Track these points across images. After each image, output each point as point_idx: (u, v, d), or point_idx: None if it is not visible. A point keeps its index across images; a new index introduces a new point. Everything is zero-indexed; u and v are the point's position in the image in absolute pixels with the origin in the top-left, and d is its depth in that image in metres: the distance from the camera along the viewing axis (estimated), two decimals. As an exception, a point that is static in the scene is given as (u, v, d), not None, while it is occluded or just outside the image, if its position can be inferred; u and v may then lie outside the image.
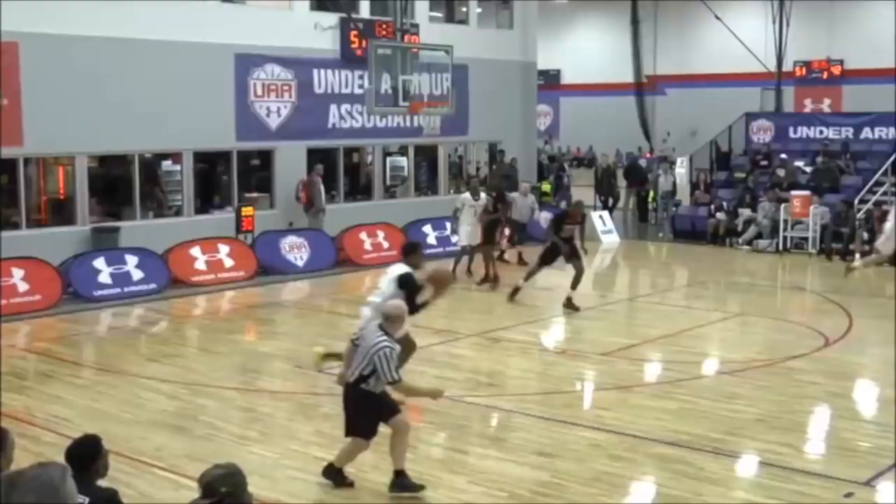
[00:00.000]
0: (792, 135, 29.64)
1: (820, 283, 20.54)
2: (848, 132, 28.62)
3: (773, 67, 31.50)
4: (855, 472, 8.82)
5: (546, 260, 16.57)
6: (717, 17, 32.28)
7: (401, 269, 10.79)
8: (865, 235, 22.51)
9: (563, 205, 24.47)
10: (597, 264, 17.77)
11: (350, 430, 8.46)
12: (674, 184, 28.69)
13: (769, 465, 9.08)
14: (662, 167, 29.76)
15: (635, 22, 34.57)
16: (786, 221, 23.83)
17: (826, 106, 31.62)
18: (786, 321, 15.87)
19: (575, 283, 16.21)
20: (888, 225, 17.67)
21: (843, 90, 31.23)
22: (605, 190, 29.86)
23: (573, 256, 16.30)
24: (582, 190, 33.44)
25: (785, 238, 23.76)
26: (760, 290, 19.88)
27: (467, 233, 19.19)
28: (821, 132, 29.14)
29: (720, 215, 25.09)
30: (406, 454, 8.39)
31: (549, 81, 35.87)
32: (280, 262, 19.90)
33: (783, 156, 27.58)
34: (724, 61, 32.57)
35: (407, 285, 10.47)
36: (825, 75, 31.45)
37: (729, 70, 32.60)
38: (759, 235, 24.13)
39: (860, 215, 23.63)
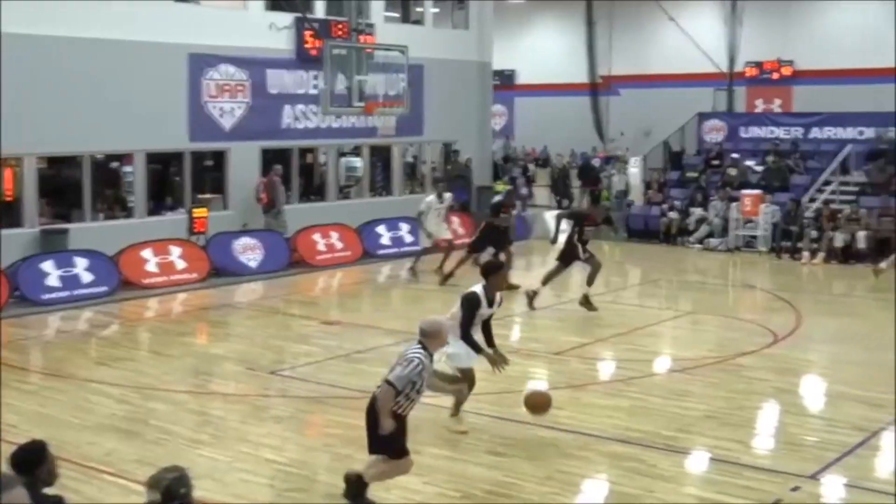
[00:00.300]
0: (743, 134, 29.99)
1: (770, 281, 20.75)
2: (798, 132, 29.02)
3: (725, 68, 31.82)
4: (802, 465, 8.95)
5: (566, 261, 16.51)
6: (671, 19, 32.55)
7: (473, 288, 10.02)
8: (814, 234, 22.83)
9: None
10: (552, 264, 17.85)
11: (373, 446, 7.83)
12: (627, 183, 28.91)
13: (719, 461, 9.18)
14: (616, 167, 29.97)
15: (590, 23, 34.74)
16: (737, 220, 24.09)
17: (777, 106, 31.95)
18: (736, 319, 16.04)
19: (590, 280, 16.24)
20: None
21: (794, 90, 31.57)
22: (560, 190, 29.99)
23: (590, 256, 16.31)
24: (538, 190, 33.64)
25: (736, 236, 24.02)
26: (712, 289, 20.09)
27: (433, 233, 19.31)
28: (771, 132, 29.51)
29: (672, 214, 25.32)
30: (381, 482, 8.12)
31: (505, 82, 35.96)
32: (233, 264, 19.79)
33: (735, 155, 27.86)
34: (678, 62, 32.83)
35: (467, 304, 9.77)
36: (776, 76, 31.76)
37: (682, 71, 32.86)
38: (710, 234, 24.38)
39: (809, 214, 23.95)
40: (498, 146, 33.36)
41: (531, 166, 31.31)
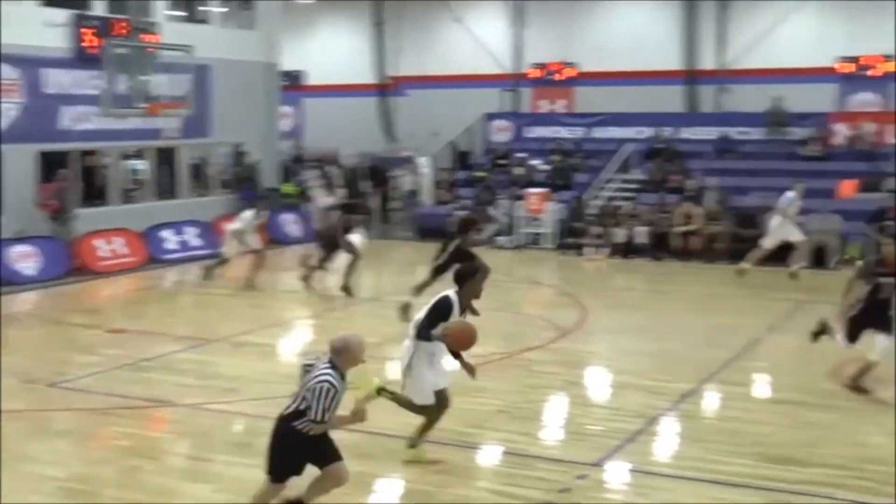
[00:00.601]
0: (529, 134, 30.79)
1: (556, 277, 21.39)
2: (581, 132, 30.03)
3: (511, 69, 32.50)
4: (588, 454, 9.25)
5: (440, 272, 15.43)
6: (457, 20, 33.02)
7: (446, 293, 9.18)
8: (597, 230, 23.67)
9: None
10: (341, 265, 17.86)
11: (268, 467, 7.49)
12: (416, 183, 29.18)
13: (511, 454, 9.38)
14: (405, 167, 30.20)
15: (378, 23, 34.84)
16: (523, 218, 24.72)
17: (561, 107, 32.86)
18: (524, 314, 16.44)
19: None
20: (773, 223, 18.85)
21: (577, 91, 32.55)
22: (350, 191, 29.93)
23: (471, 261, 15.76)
24: (327, 191, 33.38)
25: (524, 234, 24.64)
26: (499, 286, 20.39)
27: (249, 244, 18.89)
28: (556, 132, 30.42)
29: (461, 213, 25.71)
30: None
31: (293, 82, 35.61)
32: (7, 273, 18.81)
33: (521, 155, 28.55)
34: (465, 63, 33.31)
35: (437, 310, 8.98)
36: (560, 77, 32.70)
37: (469, 71, 33.35)
38: (498, 232, 24.90)
39: (592, 211, 24.83)
40: (289, 147, 33.07)
41: (332, 168, 31.14)
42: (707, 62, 30.23)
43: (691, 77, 30.39)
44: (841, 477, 8.63)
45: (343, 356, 7.32)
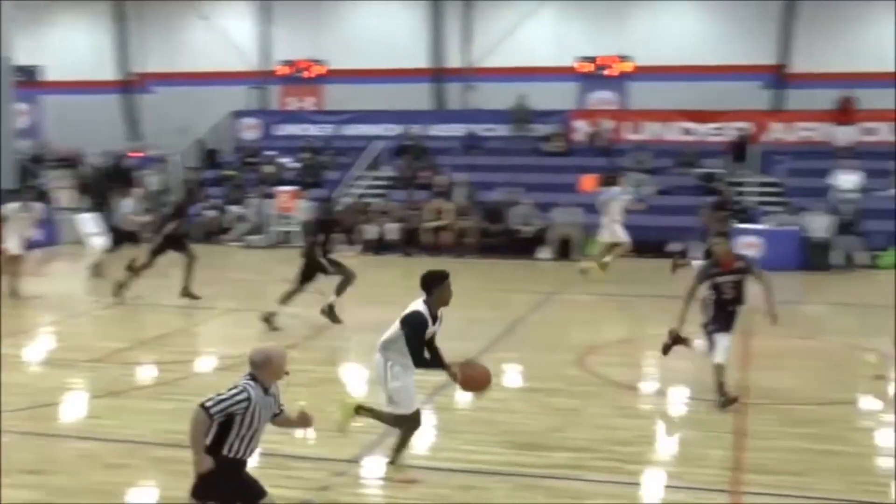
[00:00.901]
0: (278, 132, 30.55)
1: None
2: (330, 129, 30.04)
3: (259, 66, 32.14)
4: (346, 451, 9.26)
5: (308, 277, 15.07)
6: (203, 18, 32.34)
7: (414, 305, 8.69)
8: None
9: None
10: (85, 267, 17.18)
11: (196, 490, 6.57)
12: (165, 183, 28.37)
13: (267, 455, 9.20)
14: (152, 166, 29.32)
15: (120, 19, 33.65)
16: (274, 216, 24.50)
17: (310, 104, 32.76)
18: (279, 312, 16.19)
19: (341, 289, 15.08)
20: (605, 219, 19.31)
21: (326, 89, 32.53)
22: (93, 191, 28.75)
23: (336, 265, 15.04)
24: (68, 193, 31.98)
25: (276, 233, 24.43)
26: (252, 285, 20.24)
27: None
28: (305, 129, 30.30)
29: (211, 213, 25.24)
30: None
31: (29, 78, 33.89)
32: None
33: (270, 153, 28.29)
34: (213, 60, 32.66)
35: (413, 328, 8.50)
36: (309, 74, 32.57)
37: (217, 69, 32.73)
38: (249, 231, 24.58)
39: (341, 208, 24.91)
40: (28, 146, 31.44)
41: (76, 168, 29.77)
42: (454, 60, 30.93)
43: (439, 75, 31.00)
44: (587, 459, 9.00)
45: (265, 369, 6.62)
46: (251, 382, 6.53)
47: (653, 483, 8.77)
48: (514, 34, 30.15)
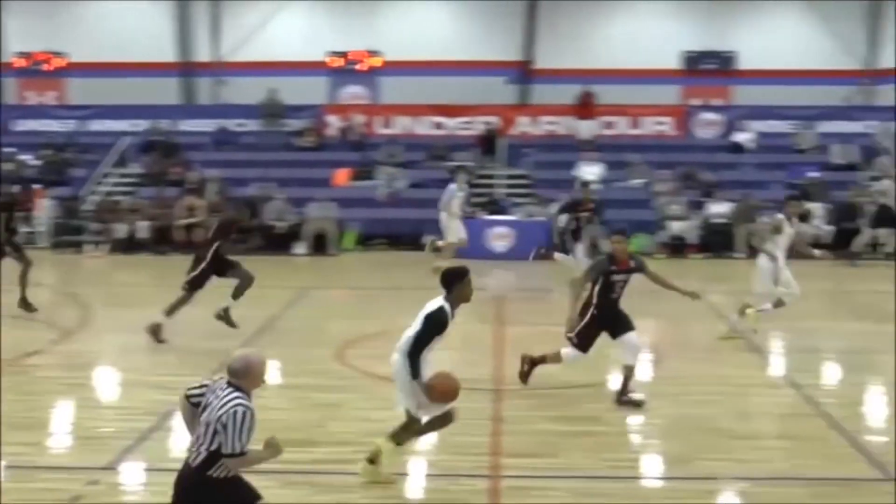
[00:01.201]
0: (17, 128, 29.06)
1: (53, 277, 20.32)
2: (74, 125, 28.81)
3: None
4: (99, 457, 8.93)
5: (198, 284, 13.77)
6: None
7: (436, 303, 8.15)
8: (96, 226, 22.96)
9: None
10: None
11: None
12: None
13: (13, 468, 8.79)
14: None
15: None
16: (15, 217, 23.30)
17: (51, 98, 31.38)
18: (21, 318, 15.37)
19: (238, 293, 13.83)
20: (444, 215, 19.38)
21: (68, 83, 31.23)
22: None
23: (232, 268, 13.78)
24: None
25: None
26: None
27: None
28: (47, 125, 28.95)
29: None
30: None
31: None
32: None
33: (9, 149, 26.90)
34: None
35: (434, 324, 8.03)
36: (49, 67, 31.16)
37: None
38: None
39: (89, 206, 24.03)
40: None
41: None
42: (203, 55, 30.38)
43: (187, 69, 30.37)
44: (350, 452, 9.05)
45: (246, 378, 6.23)
46: (240, 395, 6.16)
47: (415, 472, 8.93)
48: (265, 28, 29.93)
